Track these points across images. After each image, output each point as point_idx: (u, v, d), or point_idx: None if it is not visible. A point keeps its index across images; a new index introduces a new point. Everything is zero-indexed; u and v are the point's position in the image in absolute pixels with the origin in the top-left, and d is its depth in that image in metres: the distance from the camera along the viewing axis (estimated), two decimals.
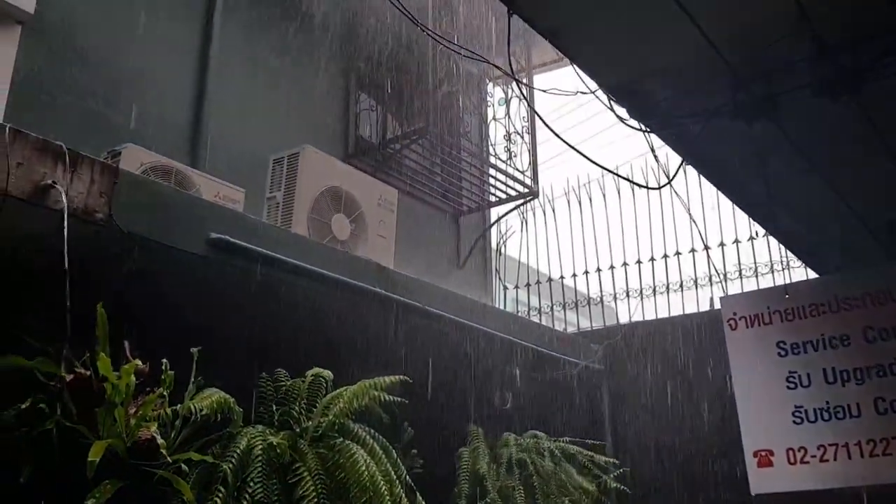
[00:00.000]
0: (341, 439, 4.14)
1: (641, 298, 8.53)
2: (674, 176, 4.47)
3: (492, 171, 8.87)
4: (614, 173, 5.09)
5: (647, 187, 4.88)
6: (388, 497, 4.03)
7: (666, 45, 3.83)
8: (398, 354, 5.28)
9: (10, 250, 3.38)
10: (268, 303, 4.56)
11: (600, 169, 4.82)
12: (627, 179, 5.00)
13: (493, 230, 9.90)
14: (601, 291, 8.87)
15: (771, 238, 7.43)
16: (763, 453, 6.06)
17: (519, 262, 9.49)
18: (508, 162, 8.90)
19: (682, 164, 4.56)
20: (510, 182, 8.95)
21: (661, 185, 4.73)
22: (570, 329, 9.02)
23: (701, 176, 5.81)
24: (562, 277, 9.22)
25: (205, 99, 6.42)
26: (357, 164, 7.65)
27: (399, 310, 5.50)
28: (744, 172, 5.11)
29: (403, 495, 4.24)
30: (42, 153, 3.58)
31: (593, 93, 4.14)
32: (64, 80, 5.46)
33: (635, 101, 4.21)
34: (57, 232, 3.44)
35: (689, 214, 6.90)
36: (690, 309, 8.15)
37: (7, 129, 3.45)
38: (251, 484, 3.69)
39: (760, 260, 7.88)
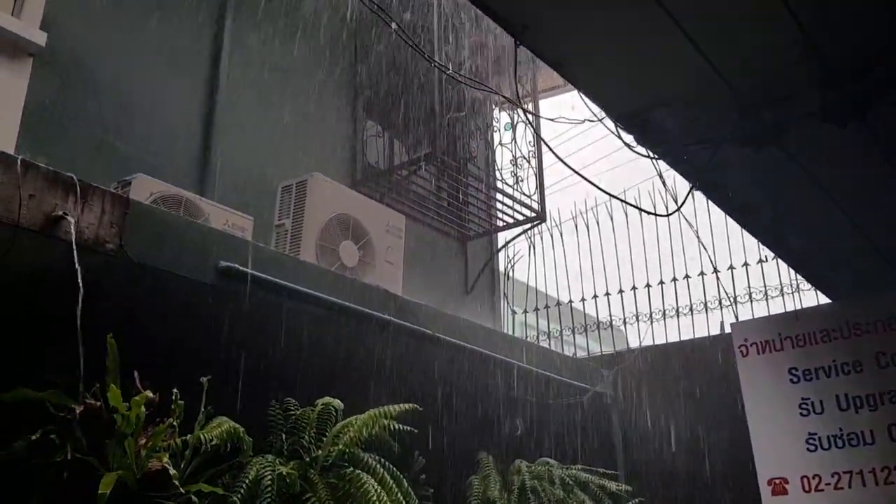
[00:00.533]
0: (351, 469, 4.12)
1: (651, 322, 8.50)
2: (682, 204, 4.47)
3: (499, 196, 8.89)
4: (622, 200, 5.10)
5: (655, 214, 4.87)
6: None
7: (673, 73, 3.84)
8: (407, 381, 5.27)
9: (22, 281, 3.40)
10: (277, 331, 4.56)
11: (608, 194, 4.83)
12: (635, 206, 4.99)
13: (501, 255, 9.91)
14: (610, 315, 8.84)
15: (781, 261, 7.41)
16: (777, 481, 6.01)
17: (527, 286, 9.47)
18: (515, 186, 8.92)
19: (690, 190, 4.57)
20: (517, 206, 8.96)
21: (670, 211, 4.71)
22: (580, 353, 8.98)
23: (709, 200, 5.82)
24: (570, 301, 9.19)
25: (213, 128, 6.47)
26: (365, 190, 7.69)
27: (408, 336, 5.49)
28: (753, 198, 5.11)
29: None
30: (53, 185, 3.60)
31: (600, 121, 4.16)
32: (74, 111, 5.51)
33: (643, 129, 4.22)
34: (68, 263, 3.46)
35: (698, 238, 6.89)
36: (701, 333, 8.12)
37: (19, 161, 3.48)
38: None
39: (770, 283, 7.87)
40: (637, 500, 6.65)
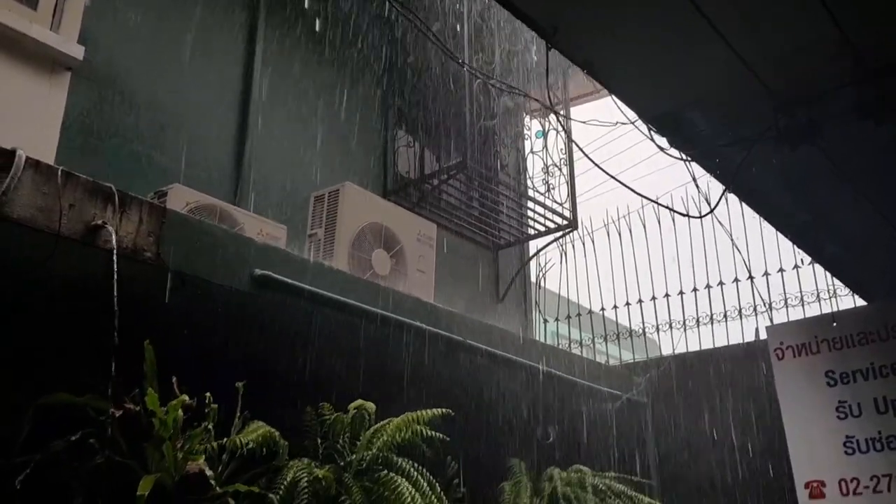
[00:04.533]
0: (386, 472, 4.13)
1: (684, 329, 8.40)
2: (716, 205, 4.44)
3: (530, 204, 8.87)
4: (655, 202, 5.07)
5: (688, 216, 4.83)
6: None
7: (706, 73, 3.82)
8: (440, 388, 5.27)
9: (63, 289, 3.46)
10: (310, 337, 4.59)
11: (640, 200, 4.82)
12: (669, 208, 4.96)
13: (533, 263, 9.87)
14: (643, 323, 8.77)
15: (817, 265, 7.30)
16: (815, 484, 5.92)
17: (559, 294, 9.43)
18: (547, 194, 8.89)
19: (724, 192, 4.52)
20: (549, 214, 8.92)
21: (703, 214, 4.68)
22: (612, 362, 8.91)
23: (743, 203, 5.76)
24: (602, 309, 9.12)
25: (247, 138, 6.54)
26: (396, 199, 7.72)
27: (440, 344, 5.50)
28: (788, 199, 5.06)
29: None
30: (93, 195, 3.67)
31: (633, 123, 4.14)
32: (112, 124, 5.61)
33: (676, 130, 4.20)
34: (107, 270, 3.51)
35: (733, 242, 6.83)
36: (735, 339, 8.02)
37: (60, 171, 3.55)
38: None
39: (806, 288, 7.75)
40: None
